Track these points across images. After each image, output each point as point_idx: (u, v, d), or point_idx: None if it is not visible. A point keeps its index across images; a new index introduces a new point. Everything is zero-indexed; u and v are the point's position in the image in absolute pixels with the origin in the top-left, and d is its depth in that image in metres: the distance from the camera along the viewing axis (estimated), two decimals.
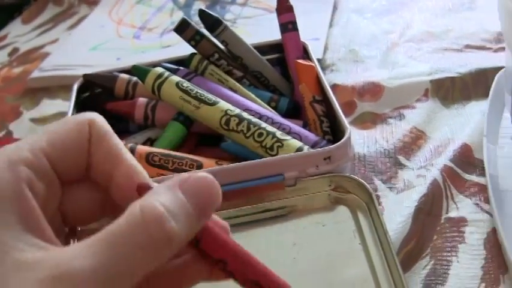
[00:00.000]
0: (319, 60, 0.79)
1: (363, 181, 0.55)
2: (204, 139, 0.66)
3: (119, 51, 0.97)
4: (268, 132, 0.57)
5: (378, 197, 0.62)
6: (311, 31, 0.86)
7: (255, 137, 0.57)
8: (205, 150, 0.64)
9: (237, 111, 0.59)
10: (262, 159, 0.55)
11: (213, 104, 0.59)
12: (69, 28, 1.13)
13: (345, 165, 0.56)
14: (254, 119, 0.58)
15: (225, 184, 0.54)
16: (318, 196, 0.56)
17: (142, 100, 0.66)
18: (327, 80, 0.65)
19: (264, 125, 0.58)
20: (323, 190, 0.56)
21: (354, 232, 0.54)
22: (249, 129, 0.57)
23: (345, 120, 0.57)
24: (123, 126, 0.69)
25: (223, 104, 0.59)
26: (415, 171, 0.64)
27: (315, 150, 0.55)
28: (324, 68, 0.81)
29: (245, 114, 0.58)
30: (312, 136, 0.59)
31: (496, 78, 0.71)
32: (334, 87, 0.76)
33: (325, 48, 0.86)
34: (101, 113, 0.66)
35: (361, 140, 0.69)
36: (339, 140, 0.55)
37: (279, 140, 0.57)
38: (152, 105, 0.65)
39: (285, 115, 0.65)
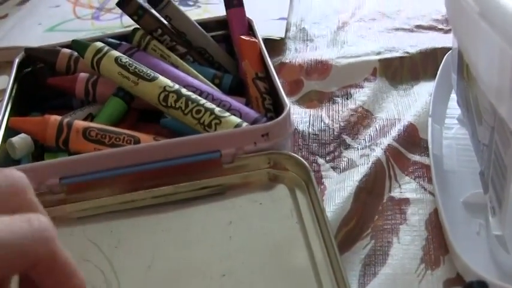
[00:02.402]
0: (282, 39, 0.78)
1: (301, 159, 0.53)
2: (146, 115, 0.64)
3: (78, 32, 0.94)
4: (207, 109, 0.55)
5: (320, 176, 0.61)
6: (276, 11, 0.85)
7: (193, 114, 0.55)
8: (146, 126, 0.62)
9: (176, 87, 0.57)
10: (198, 135, 0.53)
11: (152, 79, 0.57)
12: (19, 4, 1.09)
13: (284, 142, 0.54)
14: (193, 96, 0.56)
15: (161, 160, 0.53)
16: (255, 174, 0.55)
17: (83, 75, 0.64)
18: (274, 58, 0.64)
19: (203, 101, 0.56)
20: (261, 168, 0.55)
21: (292, 211, 0.52)
22: (187, 105, 0.56)
23: (285, 97, 0.55)
24: (66, 101, 0.67)
25: (162, 80, 0.57)
26: (359, 151, 0.63)
27: (253, 127, 0.53)
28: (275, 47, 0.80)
29: (184, 91, 0.57)
30: (252, 113, 0.58)
31: (444, 58, 0.70)
32: (281, 65, 0.74)
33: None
34: (42, 89, 0.66)
35: (307, 119, 0.67)
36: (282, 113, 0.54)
37: (217, 117, 0.55)
38: (93, 81, 0.63)
39: (229, 92, 0.63)
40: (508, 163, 0.48)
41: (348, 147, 0.64)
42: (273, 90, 0.60)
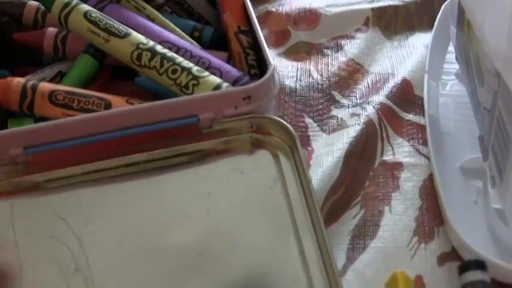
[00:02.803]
0: None
1: (286, 124, 0.49)
2: (120, 72, 0.59)
3: None
4: (184, 69, 0.51)
5: (308, 137, 0.56)
6: None
7: (169, 74, 0.51)
8: (120, 85, 0.58)
9: (151, 44, 0.52)
10: (172, 99, 0.49)
11: (124, 36, 0.52)
12: None
13: (267, 105, 0.50)
14: (169, 53, 0.52)
15: (133, 126, 0.49)
16: (237, 139, 0.51)
17: (51, 30, 0.58)
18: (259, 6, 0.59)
19: (179, 59, 0.51)
20: (243, 133, 0.50)
21: (275, 180, 0.48)
22: (162, 65, 0.51)
23: (269, 55, 0.50)
24: (35, 58, 0.61)
25: (136, 37, 0.52)
26: (350, 109, 0.59)
27: (233, 89, 0.49)
28: None
29: (159, 48, 0.52)
30: (234, 71, 0.53)
31: (442, 8, 0.65)
32: (267, 14, 0.69)
33: None
34: (8, 44, 0.61)
35: (294, 73, 0.63)
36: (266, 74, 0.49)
37: (195, 77, 0.50)
38: (62, 36, 0.58)
39: (210, 46, 0.58)
40: None
41: (337, 105, 0.59)
42: (257, 45, 0.55)
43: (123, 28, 0.53)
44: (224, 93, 0.49)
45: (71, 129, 0.48)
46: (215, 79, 0.50)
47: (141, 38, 0.52)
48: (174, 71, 0.51)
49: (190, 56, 0.54)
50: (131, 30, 0.53)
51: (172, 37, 0.55)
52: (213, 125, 0.50)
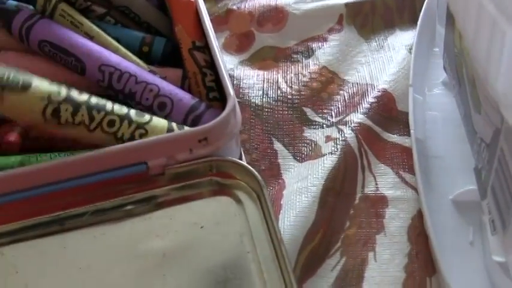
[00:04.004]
0: None
1: (251, 168, 0.42)
2: None
3: None
4: (122, 118, 0.42)
5: (278, 168, 0.49)
6: None
7: (105, 128, 0.42)
8: None
9: (64, 92, 0.41)
10: (116, 145, 0.41)
11: (24, 87, 0.40)
12: None
13: (228, 145, 0.42)
14: (94, 99, 0.41)
15: (75, 177, 0.41)
16: (194, 185, 0.43)
17: None
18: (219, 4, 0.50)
19: (110, 105, 0.42)
20: (201, 177, 0.43)
21: (242, 236, 0.41)
22: (92, 118, 0.41)
23: (229, 86, 0.42)
24: None
25: (41, 85, 0.40)
26: (325, 130, 0.51)
27: (186, 131, 0.41)
28: None
29: (78, 95, 0.41)
30: (187, 99, 0.45)
31: (425, 4, 0.57)
32: (228, 13, 0.60)
33: None
34: None
35: (259, 85, 0.55)
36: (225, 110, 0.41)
37: (140, 126, 0.42)
38: None
39: (162, 61, 0.50)
40: None
41: (310, 124, 0.52)
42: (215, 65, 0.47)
43: (20, 76, 0.40)
44: (176, 136, 0.41)
45: (8, 183, 0.40)
46: (163, 123, 0.42)
47: (48, 86, 0.41)
48: (111, 123, 0.42)
49: (136, 82, 0.46)
50: (31, 76, 0.41)
51: (113, 58, 0.46)
52: (165, 172, 0.42)
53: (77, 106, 0.41)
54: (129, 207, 0.43)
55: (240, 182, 0.43)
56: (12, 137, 0.44)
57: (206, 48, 0.48)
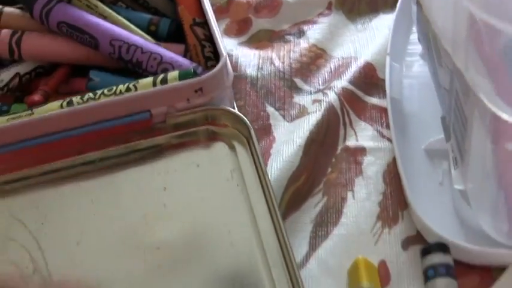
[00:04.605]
0: None
1: (240, 114, 0.48)
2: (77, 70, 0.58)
3: None
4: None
5: (269, 126, 0.55)
6: None
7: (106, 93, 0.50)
8: (78, 82, 0.57)
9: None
10: (123, 95, 0.48)
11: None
12: None
13: (221, 96, 0.49)
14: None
15: (84, 126, 0.48)
16: (192, 133, 0.50)
17: (5, 32, 0.57)
18: None
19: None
20: (198, 126, 0.50)
21: (232, 172, 0.47)
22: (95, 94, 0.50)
23: (222, 46, 0.50)
24: None
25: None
26: (312, 96, 0.58)
27: (184, 82, 0.48)
28: None
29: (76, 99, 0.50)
30: (186, 64, 0.52)
31: None
32: (229, 3, 0.68)
33: None
34: None
35: (255, 62, 0.61)
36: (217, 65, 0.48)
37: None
38: (17, 37, 0.56)
39: (168, 39, 0.57)
40: (468, 114, 0.43)
41: (299, 92, 0.58)
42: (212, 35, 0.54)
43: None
44: (175, 86, 0.48)
45: (24, 131, 0.48)
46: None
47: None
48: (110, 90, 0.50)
49: (141, 52, 0.53)
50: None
51: (123, 34, 0.54)
52: (166, 120, 0.49)
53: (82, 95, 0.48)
54: (135, 153, 0.49)
55: (232, 129, 0.49)
56: (36, 97, 0.52)
57: (205, 24, 0.55)
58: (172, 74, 0.49)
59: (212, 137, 0.49)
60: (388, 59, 0.58)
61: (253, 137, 0.47)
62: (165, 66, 0.52)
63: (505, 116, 0.37)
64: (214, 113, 0.49)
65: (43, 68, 0.57)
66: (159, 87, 0.48)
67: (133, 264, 0.44)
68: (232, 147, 0.49)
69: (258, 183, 0.46)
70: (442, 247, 0.44)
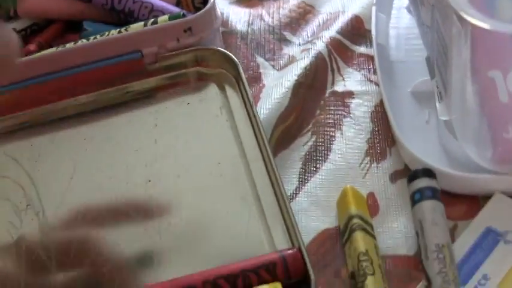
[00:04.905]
0: None
1: (229, 53, 0.49)
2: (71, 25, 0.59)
3: None
4: None
5: (259, 75, 0.57)
6: None
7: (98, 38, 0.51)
8: (72, 37, 0.58)
9: None
10: (114, 35, 0.49)
11: None
12: None
13: (210, 37, 0.50)
14: None
15: (77, 66, 0.49)
16: (182, 74, 0.51)
17: None
18: None
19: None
20: (188, 67, 0.51)
21: (221, 109, 0.49)
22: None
23: None
24: None
25: None
26: (301, 47, 0.59)
27: (173, 22, 0.49)
28: None
29: None
30: (176, 11, 0.53)
31: None
32: None
33: None
34: None
35: (245, 18, 0.63)
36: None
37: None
38: None
39: None
40: (449, 40, 0.44)
41: (288, 43, 0.59)
42: None
43: None
44: (165, 26, 0.49)
45: (17, 73, 0.49)
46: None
47: None
48: None
49: (133, 2, 0.54)
50: None
51: None
52: (157, 60, 0.50)
53: None
54: (127, 95, 0.50)
55: (222, 70, 0.50)
56: (32, 46, 0.53)
57: None
58: (162, 18, 0.50)
59: (202, 78, 0.51)
60: (374, 9, 0.59)
61: (242, 74, 0.48)
62: (156, 14, 0.53)
63: (482, 24, 0.38)
64: (203, 53, 0.50)
65: (38, 25, 0.58)
66: (148, 27, 0.49)
67: (123, 196, 0.44)
68: (221, 87, 0.50)
69: (247, 119, 0.47)
70: (428, 172, 0.45)
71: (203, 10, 0.49)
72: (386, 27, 0.59)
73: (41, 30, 0.58)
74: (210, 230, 0.43)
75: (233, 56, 0.49)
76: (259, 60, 0.58)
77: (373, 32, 0.56)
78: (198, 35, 0.49)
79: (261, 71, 0.57)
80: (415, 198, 0.44)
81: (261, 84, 0.55)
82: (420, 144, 0.48)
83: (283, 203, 0.42)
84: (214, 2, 0.50)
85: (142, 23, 0.51)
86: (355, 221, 0.43)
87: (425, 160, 0.46)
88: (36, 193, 0.45)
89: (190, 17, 0.49)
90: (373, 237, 0.43)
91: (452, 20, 0.41)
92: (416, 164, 0.47)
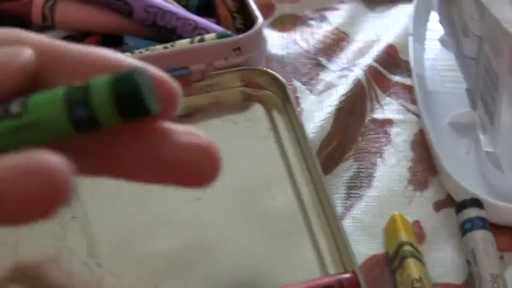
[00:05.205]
0: None
1: (276, 74, 0.49)
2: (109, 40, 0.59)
3: None
4: None
5: (297, 98, 0.56)
6: None
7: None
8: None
9: None
10: (164, 50, 0.48)
11: None
12: None
13: (258, 57, 0.50)
14: None
15: None
16: (228, 93, 0.50)
17: None
18: None
19: None
20: (234, 86, 0.50)
21: (269, 130, 0.48)
22: None
23: (256, 9, 0.51)
24: (25, 28, 0.61)
25: None
26: (337, 73, 0.59)
27: (222, 40, 0.49)
28: None
29: None
30: (220, 30, 0.53)
31: None
32: None
33: None
34: None
35: (279, 42, 0.63)
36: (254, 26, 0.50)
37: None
38: (51, 5, 0.57)
39: (197, 13, 0.58)
40: (500, 71, 0.45)
41: (324, 69, 0.59)
42: (243, 8, 0.56)
43: None
44: (214, 44, 0.49)
45: None
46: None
47: None
48: None
49: (177, 19, 0.54)
50: None
51: (157, 1, 0.55)
52: (204, 78, 0.49)
53: None
54: None
55: (268, 91, 0.50)
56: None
57: None
58: (210, 36, 0.50)
59: (248, 98, 0.50)
60: (410, 39, 0.59)
61: (291, 96, 0.48)
62: (199, 32, 0.53)
63: None
64: (251, 74, 0.50)
65: (73, 37, 0.58)
66: (198, 44, 0.49)
67: (173, 210, 0.44)
68: (267, 108, 0.50)
69: (295, 141, 0.47)
70: (477, 202, 0.45)
71: (252, 30, 0.49)
72: (422, 58, 0.59)
73: (76, 42, 0.58)
74: (259, 253, 0.42)
75: (281, 78, 0.49)
76: (296, 84, 0.58)
77: (412, 63, 0.57)
78: (246, 55, 0.49)
79: (299, 95, 0.57)
80: (465, 228, 0.44)
81: (299, 108, 0.55)
82: (462, 174, 0.48)
83: (335, 225, 0.42)
84: (261, 23, 0.50)
85: (188, 40, 0.50)
86: (407, 248, 0.43)
87: (469, 189, 0.46)
88: (82, 205, 0.44)
89: (240, 36, 0.49)
90: (424, 264, 0.43)
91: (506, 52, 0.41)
92: (461, 194, 0.47)
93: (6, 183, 0.18)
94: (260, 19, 0.50)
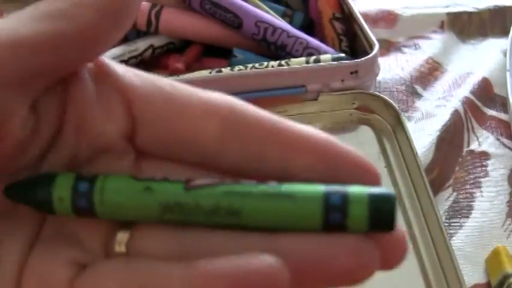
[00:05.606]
0: None
1: (390, 100, 0.51)
2: (211, 50, 0.60)
3: None
4: None
5: None
6: None
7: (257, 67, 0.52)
8: (210, 62, 0.59)
9: None
10: (284, 67, 0.50)
11: None
12: None
13: (370, 83, 0.51)
14: None
15: (240, 92, 0.49)
16: (340, 114, 0.52)
17: (144, 5, 0.59)
18: None
19: None
20: (346, 108, 0.52)
21: (379, 154, 0.49)
22: None
23: (372, 35, 0.52)
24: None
25: None
26: (434, 102, 0.60)
27: (341, 63, 0.50)
28: None
29: None
30: (332, 51, 0.54)
31: None
32: None
33: None
34: None
35: None
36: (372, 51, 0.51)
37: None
38: (156, 11, 0.59)
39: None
40: None
41: (420, 97, 0.61)
42: (350, 32, 0.57)
43: None
44: (333, 66, 0.50)
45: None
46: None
47: None
48: None
49: (288, 36, 0.55)
50: None
51: (267, 17, 0.56)
52: (318, 97, 0.51)
53: None
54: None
55: (377, 116, 0.51)
56: (179, 64, 0.53)
57: (343, 19, 0.57)
58: (325, 57, 0.51)
59: (357, 121, 0.51)
60: (508, 74, 0.60)
61: (404, 122, 0.49)
62: (311, 51, 0.54)
63: None
64: (364, 97, 0.51)
65: (174, 44, 0.59)
66: (316, 64, 0.50)
67: None
68: (377, 132, 0.51)
69: (404, 167, 0.48)
70: None
71: (371, 55, 0.50)
72: None
73: (176, 50, 0.59)
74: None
75: (394, 104, 0.50)
76: None
77: (510, 99, 0.58)
78: (362, 79, 0.50)
79: None
80: None
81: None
82: None
83: (447, 254, 0.43)
84: (378, 49, 0.51)
85: (303, 59, 0.52)
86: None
87: None
88: None
89: (359, 60, 0.50)
90: None
91: None
92: None
93: None
94: (377, 44, 0.51)
